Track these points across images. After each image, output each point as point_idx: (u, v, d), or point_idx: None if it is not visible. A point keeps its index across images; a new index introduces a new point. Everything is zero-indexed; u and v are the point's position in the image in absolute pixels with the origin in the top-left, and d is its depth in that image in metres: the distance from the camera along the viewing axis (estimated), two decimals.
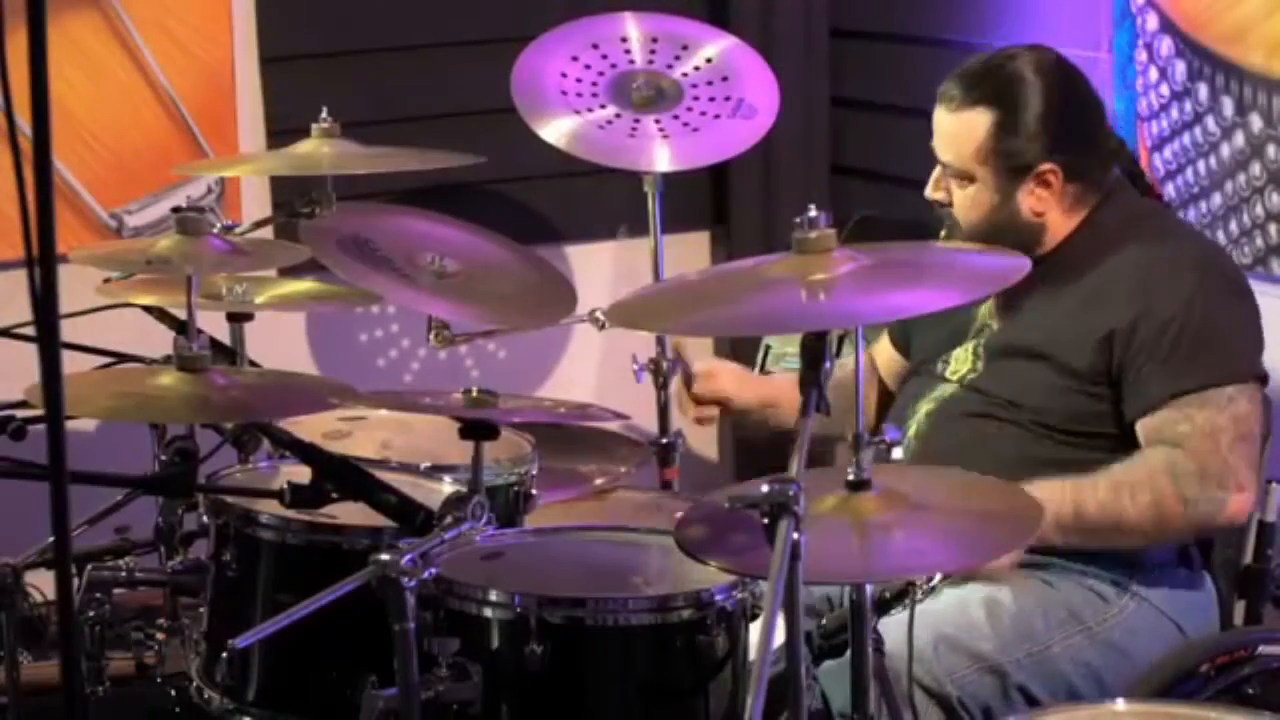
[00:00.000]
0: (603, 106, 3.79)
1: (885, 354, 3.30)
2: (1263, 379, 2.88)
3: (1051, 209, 2.95)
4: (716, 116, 3.79)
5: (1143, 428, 2.85)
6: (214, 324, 3.16)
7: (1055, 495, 2.76)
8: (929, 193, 3.02)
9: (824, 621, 2.49)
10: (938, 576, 2.84)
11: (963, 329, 3.04)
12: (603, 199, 4.51)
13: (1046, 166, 2.92)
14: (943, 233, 3.06)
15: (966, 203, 2.96)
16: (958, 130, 2.95)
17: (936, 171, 3.01)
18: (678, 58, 3.86)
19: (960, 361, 3.04)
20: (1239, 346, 2.89)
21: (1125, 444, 2.87)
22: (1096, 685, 2.83)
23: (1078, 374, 2.89)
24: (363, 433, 3.08)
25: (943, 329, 3.06)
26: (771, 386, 3.33)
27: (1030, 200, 2.93)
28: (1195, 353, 2.84)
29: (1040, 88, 2.93)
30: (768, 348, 3.95)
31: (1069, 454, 2.89)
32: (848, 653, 2.34)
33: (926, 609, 2.63)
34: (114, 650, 3.07)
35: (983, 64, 2.98)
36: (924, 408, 3.03)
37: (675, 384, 3.37)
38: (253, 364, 3.37)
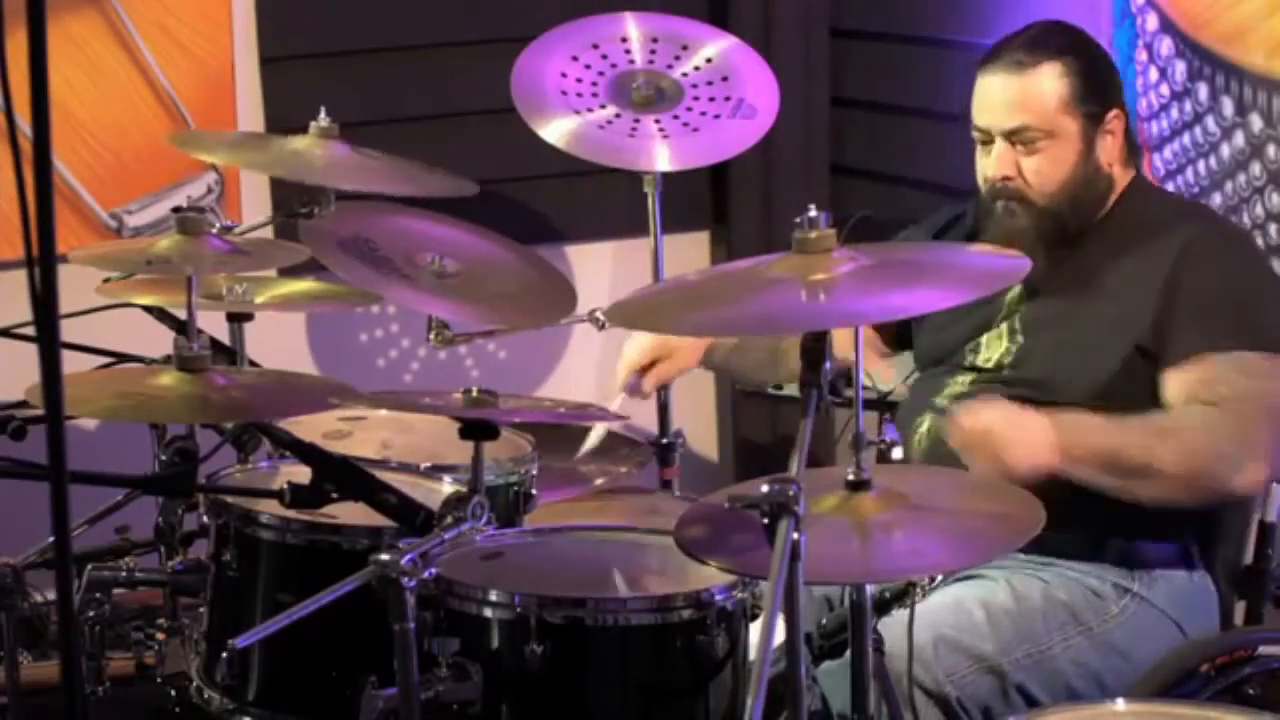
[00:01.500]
0: (603, 106, 3.79)
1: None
2: None
3: (1115, 161, 2.98)
4: (716, 116, 3.80)
5: (1176, 380, 2.84)
6: (214, 324, 3.16)
7: (1092, 425, 2.76)
8: (993, 172, 2.97)
9: (824, 621, 2.49)
10: (940, 578, 2.85)
11: (989, 316, 3.03)
12: (603, 199, 4.51)
13: (1114, 112, 2.97)
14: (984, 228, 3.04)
15: (1046, 165, 2.95)
16: (1032, 89, 2.94)
17: (998, 147, 2.96)
18: (678, 58, 3.86)
19: (992, 347, 3.03)
20: (1260, 301, 2.90)
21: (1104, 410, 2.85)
22: (1096, 686, 2.83)
23: (1128, 329, 2.88)
24: (363, 433, 3.08)
25: (965, 322, 3.05)
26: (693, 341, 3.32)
27: (1104, 150, 2.97)
28: (1240, 315, 2.85)
29: (1087, 41, 3.02)
30: None
31: None
32: (847, 653, 2.34)
33: (925, 609, 2.63)
34: (114, 650, 3.08)
35: (1031, 30, 3.01)
36: (941, 403, 3.01)
37: (622, 374, 3.34)
38: (253, 364, 3.37)
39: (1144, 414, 2.82)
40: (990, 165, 2.98)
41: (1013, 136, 2.96)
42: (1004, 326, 3.02)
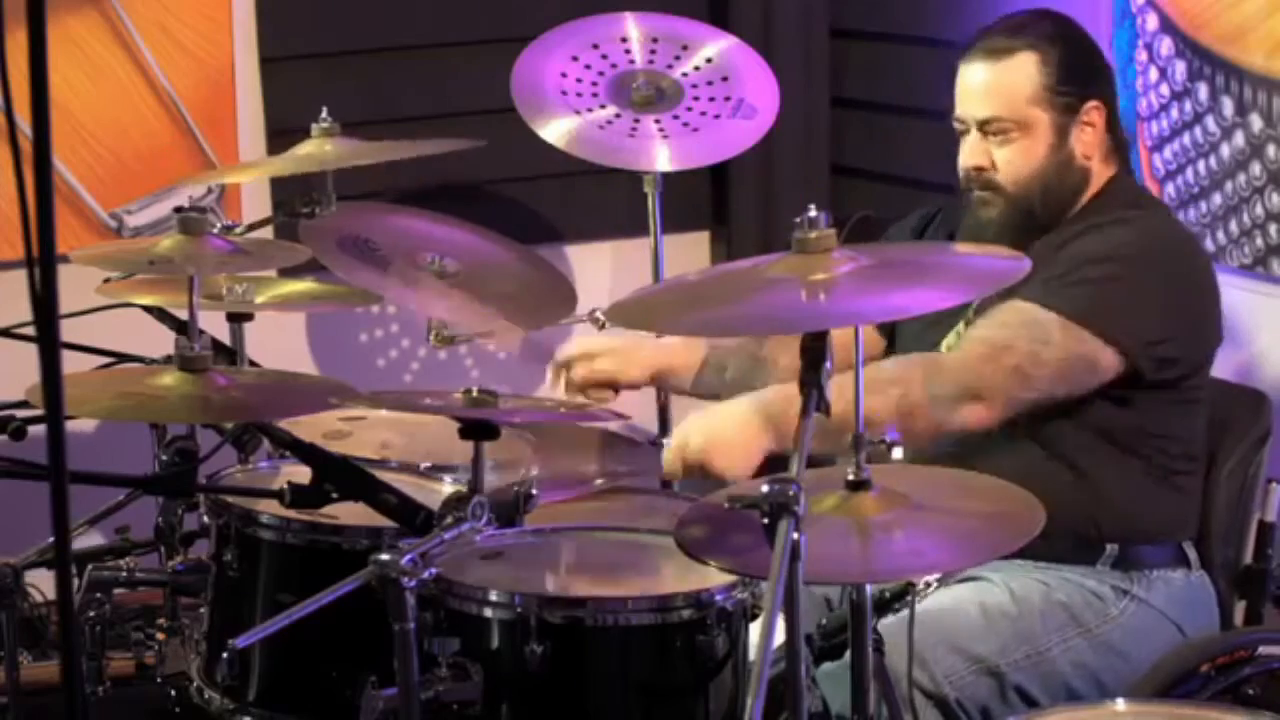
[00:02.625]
0: (603, 106, 3.79)
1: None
2: (1126, 352, 2.83)
3: (1094, 153, 2.96)
4: (716, 116, 3.79)
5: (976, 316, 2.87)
6: (214, 324, 3.16)
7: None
8: (966, 161, 2.98)
9: (824, 622, 2.49)
10: (935, 579, 2.85)
11: (958, 315, 3.04)
12: (603, 199, 4.51)
13: (1093, 104, 2.95)
14: (961, 229, 3.05)
15: (1018, 156, 2.95)
16: (1005, 78, 2.94)
17: (972, 136, 2.97)
18: (678, 58, 3.86)
19: (950, 343, 3.04)
20: (1128, 311, 2.84)
21: (1095, 412, 2.87)
22: (1095, 686, 2.83)
23: None
24: (363, 433, 3.08)
25: (945, 323, 3.05)
26: (663, 354, 3.25)
27: (1080, 142, 2.95)
28: (1078, 285, 2.83)
29: (1073, 29, 2.99)
30: None
31: (1050, 430, 2.88)
32: (846, 654, 2.34)
33: (924, 611, 2.63)
34: (114, 650, 3.08)
35: (1012, 19, 2.99)
36: None
37: (549, 372, 3.29)
38: (253, 364, 3.37)
39: (1084, 436, 2.84)
40: (964, 154, 2.99)
41: (985, 127, 2.95)
42: (959, 328, 3.03)
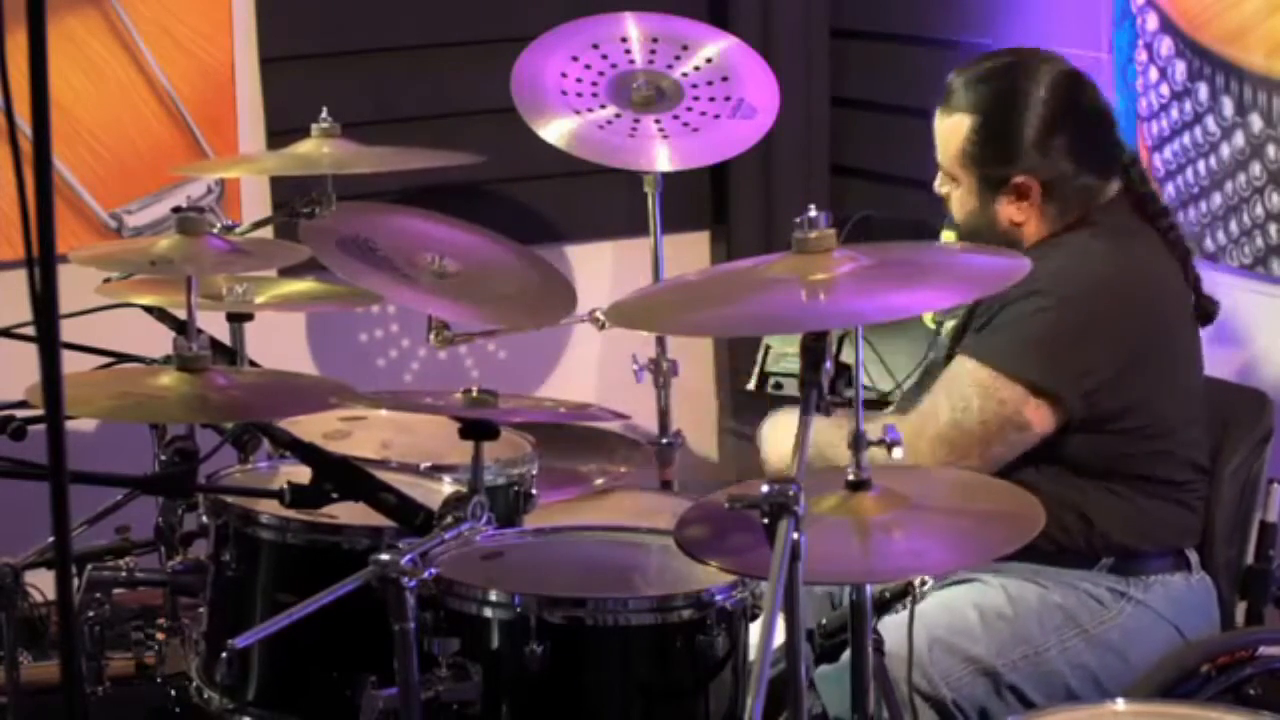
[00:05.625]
0: (603, 106, 3.79)
1: None
2: (1052, 398, 2.83)
3: (1030, 220, 2.95)
4: (716, 116, 3.79)
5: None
6: (214, 324, 3.16)
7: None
8: (936, 186, 3.05)
9: (824, 621, 2.49)
10: (931, 581, 2.85)
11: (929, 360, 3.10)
12: (603, 199, 4.51)
13: (1021, 180, 2.92)
14: (945, 230, 3.07)
15: (955, 203, 3.01)
16: (944, 132, 2.99)
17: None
18: (678, 58, 3.86)
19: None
20: (1045, 352, 2.84)
21: (1051, 456, 2.87)
22: (1094, 687, 2.83)
23: None
24: (363, 433, 3.08)
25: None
26: None
27: (1008, 210, 2.95)
28: (996, 331, 2.85)
29: (1034, 100, 2.92)
30: (768, 348, 3.94)
31: (1026, 475, 2.85)
32: (843, 656, 2.34)
33: (921, 612, 2.63)
34: (114, 650, 3.08)
35: (982, 67, 2.98)
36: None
37: None
38: (253, 364, 3.37)
39: (1036, 476, 2.83)
40: (937, 179, 3.05)
41: (937, 166, 3.02)
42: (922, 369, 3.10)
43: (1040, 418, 2.84)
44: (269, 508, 2.62)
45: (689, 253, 4.60)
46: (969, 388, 2.84)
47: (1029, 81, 2.93)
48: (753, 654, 2.14)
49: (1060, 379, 2.84)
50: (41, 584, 3.22)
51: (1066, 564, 2.89)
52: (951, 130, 2.96)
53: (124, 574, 2.95)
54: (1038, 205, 2.94)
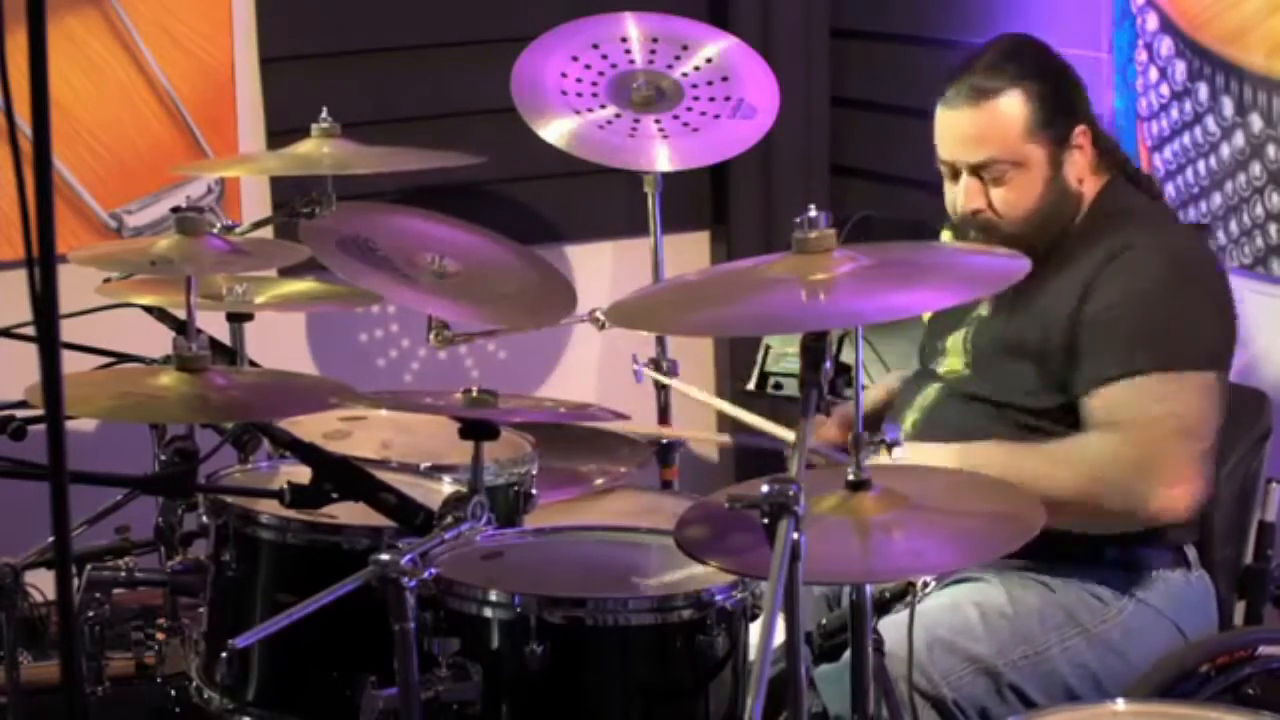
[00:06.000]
0: (603, 106, 3.79)
1: None
2: (1223, 369, 2.86)
3: (1086, 174, 2.96)
4: (716, 116, 3.80)
5: (1087, 407, 2.84)
6: (214, 324, 3.16)
7: (993, 456, 2.77)
8: (964, 206, 2.94)
9: (824, 621, 2.49)
10: (933, 581, 2.85)
11: (960, 314, 3.04)
12: (603, 199, 4.51)
13: (1080, 128, 2.94)
14: (945, 230, 3.06)
15: (1014, 195, 2.92)
16: (993, 120, 2.91)
17: (965, 181, 2.94)
18: (678, 58, 3.86)
19: (953, 355, 3.03)
20: (1198, 333, 2.86)
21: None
22: (1094, 686, 2.83)
23: (1052, 363, 2.88)
24: (363, 433, 3.08)
25: (947, 328, 3.06)
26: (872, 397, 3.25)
27: (1072, 168, 2.94)
28: (1143, 334, 2.82)
29: (1045, 59, 2.97)
30: (768, 348, 3.95)
31: None
32: (843, 656, 2.34)
33: (921, 612, 2.63)
34: (114, 650, 3.08)
35: (989, 56, 2.96)
36: (911, 417, 3.03)
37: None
38: (253, 364, 3.37)
39: (1053, 441, 2.83)
40: (959, 198, 2.95)
41: (980, 170, 2.93)
42: (961, 334, 3.03)
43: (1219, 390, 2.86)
44: (269, 508, 2.62)
45: (689, 253, 4.60)
46: (1152, 402, 2.80)
47: (1029, 46, 2.98)
48: (753, 654, 2.14)
49: (1219, 341, 2.89)
50: (41, 584, 3.22)
51: (1067, 562, 2.89)
52: (1003, 113, 2.90)
53: (124, 574, 2.95)
54: (1089, 154, 2.95)
